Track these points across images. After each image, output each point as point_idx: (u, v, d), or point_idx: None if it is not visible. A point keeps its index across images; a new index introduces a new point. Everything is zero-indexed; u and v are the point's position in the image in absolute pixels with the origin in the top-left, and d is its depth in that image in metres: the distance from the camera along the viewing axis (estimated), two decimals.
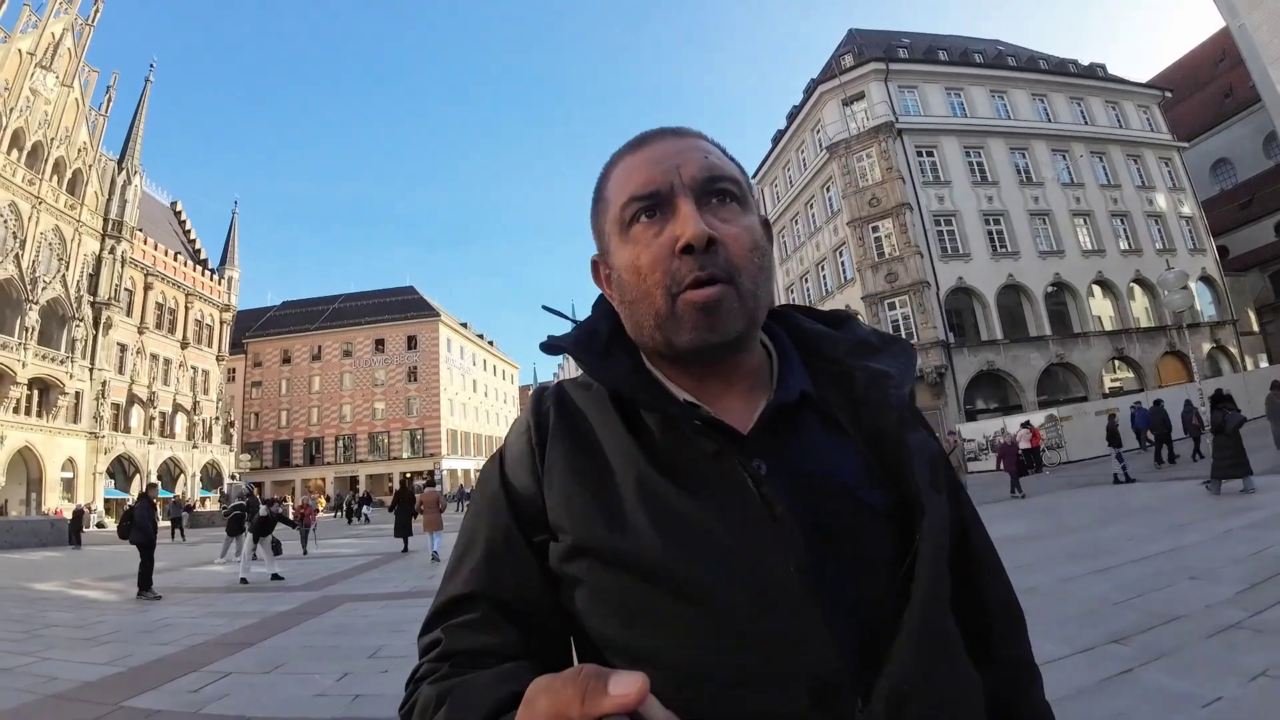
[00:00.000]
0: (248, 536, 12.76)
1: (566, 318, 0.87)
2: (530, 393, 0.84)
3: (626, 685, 0.41)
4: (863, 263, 30.22)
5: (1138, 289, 32.04)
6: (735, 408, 0.72)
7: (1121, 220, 32.91)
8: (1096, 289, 31.57)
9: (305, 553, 16.74)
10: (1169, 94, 37.40)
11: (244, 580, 11.79)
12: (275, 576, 11.95)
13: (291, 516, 17.34)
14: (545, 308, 0.98)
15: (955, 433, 16.35)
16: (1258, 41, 20.84)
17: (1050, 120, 33.78)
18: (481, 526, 0.74)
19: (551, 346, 0.80)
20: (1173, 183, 34.97)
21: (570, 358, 0.77)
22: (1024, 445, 19.41)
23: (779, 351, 0.78)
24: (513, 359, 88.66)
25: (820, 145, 33.65)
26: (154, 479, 38.25)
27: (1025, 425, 21.32)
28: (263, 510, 12.98)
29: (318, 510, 18.10)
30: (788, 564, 0.61)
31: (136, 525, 10.86)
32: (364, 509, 35.79)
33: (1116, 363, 30.86)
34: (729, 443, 0.67)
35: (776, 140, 40.59)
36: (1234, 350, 32.96)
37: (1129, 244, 32.57)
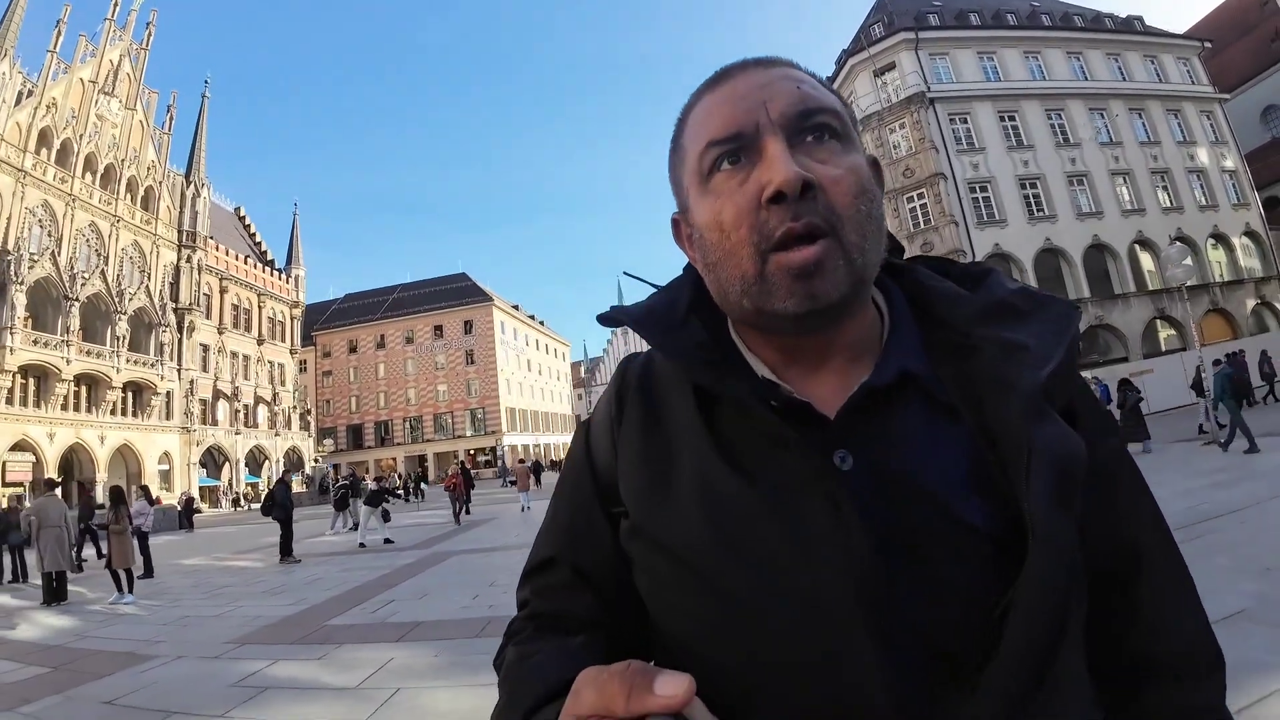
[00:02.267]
0: (364, 507, 14.74)
1: (649, 284, 0.78)
2: (620, 361, 0.78)
3: (673, 686, 0.39)
4: (898, 234, 30.29)
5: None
6: (828, 385, 0.63)
7: (1162, 177, 32.70)
8: (1138, 249, 31.59)
9: (459, 522, 17.60)
10: (1209, 44, 36.50)
11: (362, 545, 13.81)
12: (387, 541, 14.03)
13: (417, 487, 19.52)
14: (627, 273, 0.92)
15: None
16: None
17: (1087, 79, 33.54)
18: (565, 493, 0.74)
19: (609, 319, 0.71)
20: (1215, 136, 34.47)
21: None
22: None
23: (893, 317, 0.66)
24: (563, 336, 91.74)
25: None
26: (283, 466, 41.25)
27: None
28: (373, 485, 15.47)
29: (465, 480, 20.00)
30: (845, 580, 0.52)
31: (278, 504, 13.21)
32: (421, 485, 37.91)
33: (1160, 322, 31.05)
34: (809, 428, 0.59)
35: None
36: None
37: (1170, 201, 32.40)
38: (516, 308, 77.42)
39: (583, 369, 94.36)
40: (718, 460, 0.60)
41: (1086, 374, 25.43)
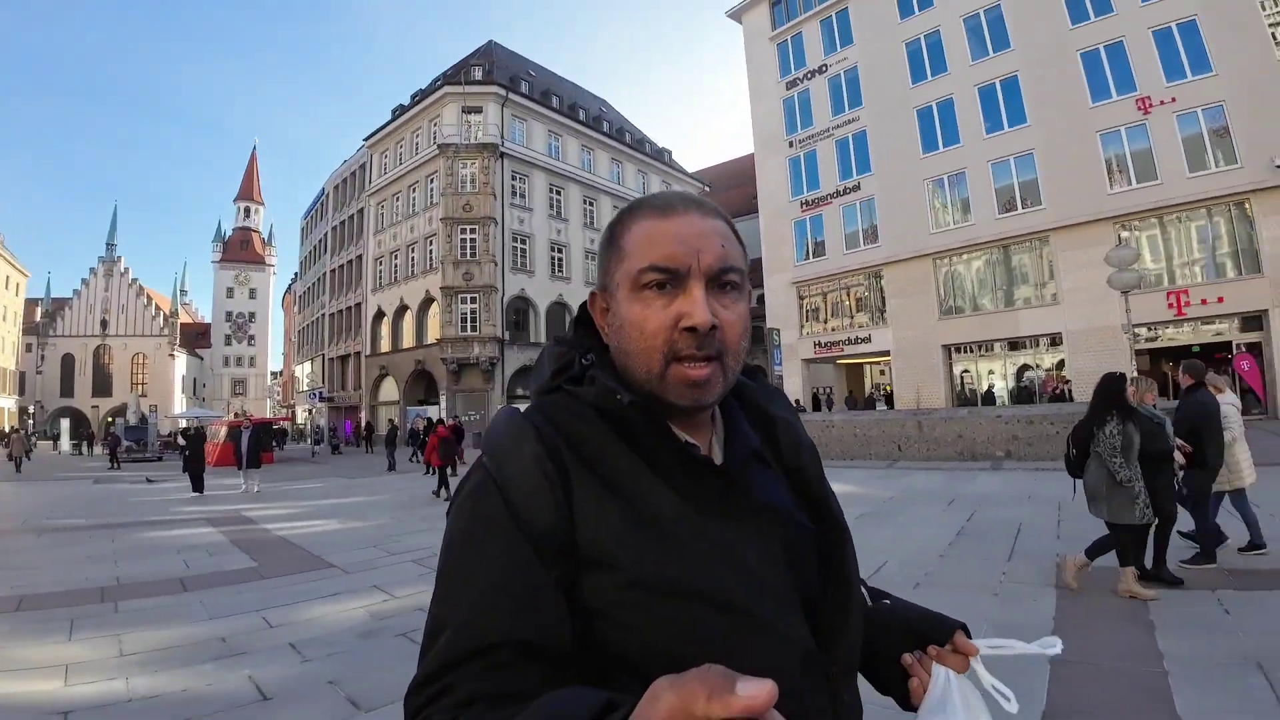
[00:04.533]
0: None
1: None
2: (510, 419, 0.83)
3: (755, 688, 0.41)
4: (447, 257, 36.26)
5: None
6: (702, 446, 0.86)
7: None
8: None
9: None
10: (709, 187, 52.58)
11: None
12: None
13: None
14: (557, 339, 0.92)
15: None
16: (761, 184, 33.19)
17: (619, 183, 45.33)
18: (492, 567, 0.73)
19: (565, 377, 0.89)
20: None
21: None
22: None
23: (728, 401, 0.94)
24: (22, 263, 73.71)
25: (434, 139, 38.90)
26: None
27: None
28: None
29: None
30: (783, 575, 0.79)
31: None
32: None
33: None
34: (725, 477, 0.83)
35: (397, 114, 43.66)
36: None
37: None
38: None
39: (40, 310, 75.20)
40: (690, 509, 0.77)
41: None
